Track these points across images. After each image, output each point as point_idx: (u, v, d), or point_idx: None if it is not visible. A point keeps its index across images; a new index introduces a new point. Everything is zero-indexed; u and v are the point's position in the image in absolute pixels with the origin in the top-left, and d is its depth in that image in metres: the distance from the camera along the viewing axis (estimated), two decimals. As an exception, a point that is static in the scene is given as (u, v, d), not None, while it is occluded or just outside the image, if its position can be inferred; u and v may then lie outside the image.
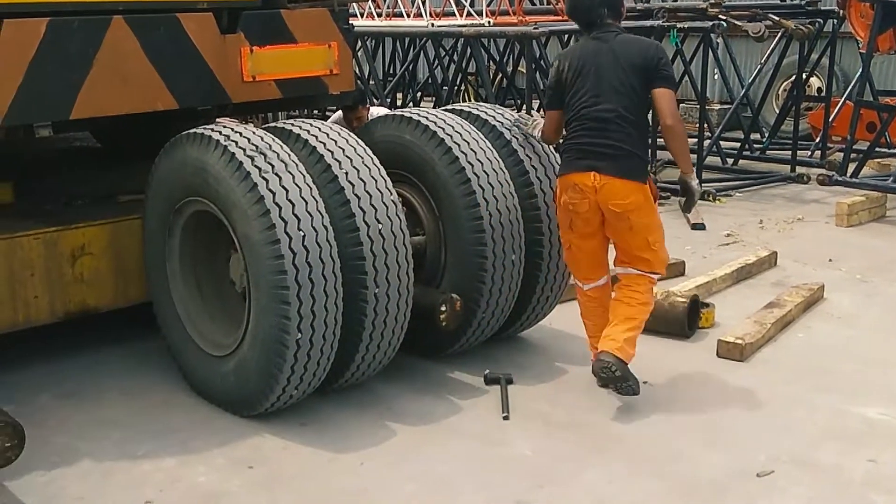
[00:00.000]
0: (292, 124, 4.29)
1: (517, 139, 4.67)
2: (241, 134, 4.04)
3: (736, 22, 8.84)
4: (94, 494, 3.55)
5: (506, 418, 4.14)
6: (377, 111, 6.68)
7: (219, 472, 3.72)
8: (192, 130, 4.19)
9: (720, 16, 8.79)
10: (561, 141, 4.45)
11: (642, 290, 4.30)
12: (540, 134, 4.58)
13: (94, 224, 4.58)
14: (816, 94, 10.92)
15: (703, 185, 8.67)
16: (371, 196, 4.04)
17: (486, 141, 4.55)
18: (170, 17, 4.49)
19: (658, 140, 9.68)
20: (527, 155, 4.63)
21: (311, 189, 3.91)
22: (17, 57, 4.05)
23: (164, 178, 4.31)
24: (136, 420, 4.17)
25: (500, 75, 12.65)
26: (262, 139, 4.01)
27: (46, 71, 4.14)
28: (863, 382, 4.49)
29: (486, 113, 4.81)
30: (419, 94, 13.27)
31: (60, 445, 3.90)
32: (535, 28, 9.07)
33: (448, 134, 4.46)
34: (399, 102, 12.75)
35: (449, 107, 5.04)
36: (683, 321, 5.09)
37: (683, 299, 5.18)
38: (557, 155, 4.60)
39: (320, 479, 3.66)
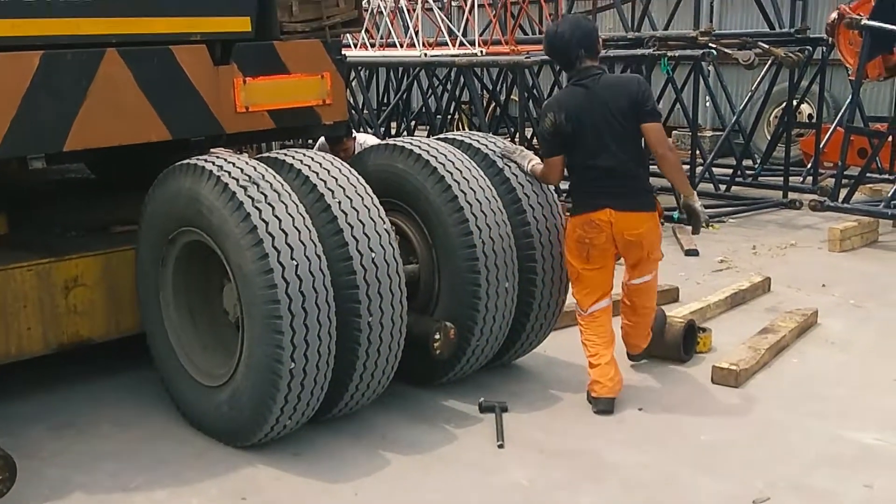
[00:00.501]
0: (285, 154, 4.30)
1: (510, 168, 4.69)
2: (234, 164, 4.04)
3: (726, 50, 8.90)
4: None
5: (500, 446, 4.12)
6: (365, 138, 6.70)
7: (212, 503, 3.70)
8: (185, 161, 4.18)
9: (710, 44, 8.85)
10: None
11: (654, 294, 4.90)
12: (530, 167, 4.63)
13: (88, 255, 4.56)
14: (807, 121, 10.94)
15: (696, 211, 8.77)
16: (364, 225, 4.03)
17: (479, 169, 4.57)
18: (163, 50, 4.50)
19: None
20: (519, 183, 4.63)
21: (304, 218, 3.91)
22: (10, 89, 4.05)
23: (157, 209, 4.30)
24: (129, 452, 4.14)
25: (494, 104, 12.71)
26: (255, 169, 4.01)
27: (40, 103, 4.14)
28: (857, 407, 4.48)
29: (478, 142, 4.83)
30: (413, 122, 13.33)
31: (54, 478, 3.87)
32: (527, 57, 9.11)
33: (441, 163, 4.48)
34: (393, 131, 12.80)
35: (442, 136, 5.06)
36: (679, 345, 5.09)
37: (680, 323, 5.19)
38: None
39: (315, 510, 3.64)
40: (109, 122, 4.36)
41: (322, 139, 6.67)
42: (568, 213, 4.63)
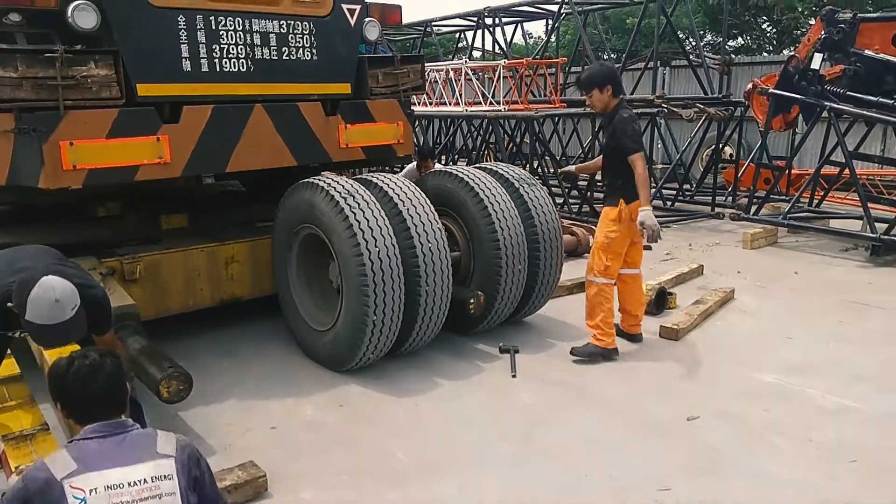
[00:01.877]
0: (372, 176, 4.30)
1: (523, 187, 4.65)
2: (338, 182, 4.06)
3: (674, 108, 8.74)
4: (238, 421, 3.57)
5: (514, 377, 4.09)
6: (437, 166, 6.66)
7: (320, 408, 3.72)
8: (306, 180, 4.21)
9: (663, 104, 8.70)
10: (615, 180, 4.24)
11: None
12: (646, 211, 4.06)
13: (240, 241, 4.60)
14: (729, 158, 10.78)
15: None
16: (424, 224, 4.03)
17: (502, 188, 4.54)
18: (293, 105, 4.50)
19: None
20: (529, 198, 4.60)
21: (384, 219, 3.92)
22: (192, 130, 4.08)
23: (287, 212, 4.33)
24: (267, 372, 4.18)
25: (511, 144, 12.62)
26: (352, 186, 4.03)
27: (211, 139, 4.16)
28: (761, 357, 4.37)
29: (502, 169, 4.79)
30: (456, 156, 13.28)
31: (216, 389, 3.91)
32: (535, 113, 9.05)
33: (476, 183, 4.46)
34: (443, 162, 12.78)
35: (477, 165, 5.03)
36: (653, 303, 5.13)
37: (652, 288, 5.20)
38: (544, 192, 4.70)
39: (388, 415, 3.65)
40: (256, 153, 4.37)
41: (413, 164, 6.63)
42: (613, 202, 4.20)
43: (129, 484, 1.88)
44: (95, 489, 1.85)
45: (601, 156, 4.56)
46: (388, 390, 3.91)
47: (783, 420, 3.54)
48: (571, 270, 5.78)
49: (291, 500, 2.87)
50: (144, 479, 1.90)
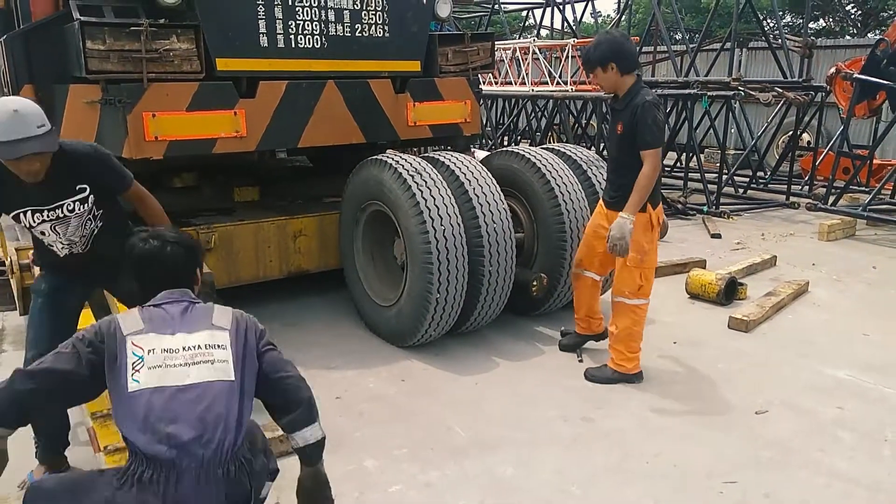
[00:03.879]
0: (440, 155, 4.29)
1: (591, 169, 4.57)
2: (406, 160, 4.09)
3: (751, 92, 8.42)
4: None
5: (580, 361, 4.04)
6: (480, 154, 6.63)
7: (382, 381, 3.78)
8: (373, 157, 4.25)
9: (739, 87, 8.39)
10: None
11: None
12: (631, 219, 3.44)
13: (309, 215, 4.66)
14: (807, 146, 10.34)
15: (721, 207, 8.38)
16: (490, 204, 4.02)
17: (569, 169, 4.48)
18: (363, 82, 4.54)
19: (690, 173, 9.37)
20: (597, 181, 4.50)
21: (450, 198, 3.93)
22: (267, 105, 4.15)
23: (354, 188, 4.38)
24: (331, 343, 4.26)
25: (577, 125, 12.42)
26: (419, 163, 4.05)
27: (285, 115, 4.22)
28: (834, 352, 4.22)
29: (570, 150, 4.73)
30: (519, 137, 13.18)
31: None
32: (604, 94, 8.85)
33: (543, 164, 4.41)
34: (505, 142, 12.68)
35: (544, 146, 4.99)
36: (722, 293, 4.99)
37: (722, 278, 5.07)
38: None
39: (448, 391, 3.68)
40: (327, 129, 4.42)
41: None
42: (642, 210, 3.48)
43: (184, 349, 1.96)
44: (153, 350, 1.94)
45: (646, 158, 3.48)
46: (449, 367, 3.95)
47: (856, 417, 3.42)
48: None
49: (355, 468, 2.95)
50: (199, 346, 1.98)
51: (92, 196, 2.61)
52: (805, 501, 2.75)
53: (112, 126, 3.89)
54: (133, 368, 1.91)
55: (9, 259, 3.87)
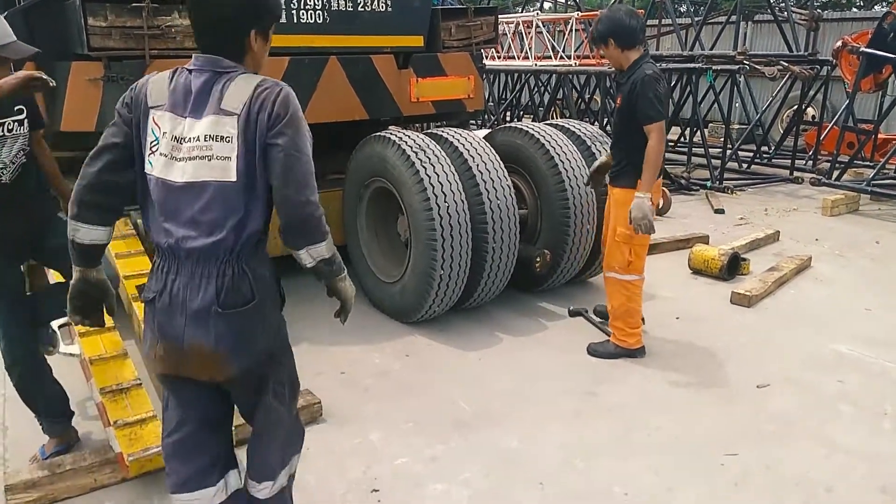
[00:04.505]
0: (442, 131, 4.29)
1: (595, 145, 4.55)
2: (409, 136, 4.08)
3: (756, 66, 8.34)
4: (309, 365, 3.62)
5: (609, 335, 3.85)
6: (477, 132, 6.57)
7: (387, 357, 3.82)
8: (377, 133, 4.25)
9: (744, 61, 8.30)
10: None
11: None
12: (647, 198, 3.39)
13: None
14: (811, 120, 10.27)
15: (725, 182, 8.35)
16: (493, 181, 4.02)
17: (572, 144, 4.46)
18: (365, 58, 4.53)
19: (694, 148, 9.32)
20: (597, 150, 4.49)
21: (454, 174, 3.93)
22: None
23: (358, 165, 4.39)
24: (335, 319, 4.24)
25: (580, 101, 12.33)
26: (423, 140, 4.05)
27: None
28: (836, 327, 4.25)
29: (574, 126, 4.70)
30: (522, 113, 13.08)
31: (292, 334, 4.03)
32: (608, 68, 8.77)
33: (547, 140, 4.40)
34: (507, 118, 12.60)
35: (548, 122, 4.97)
36: (725, 268, 5.00)
37: (725, 253, 5.07)
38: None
39: (452, 367, 3.72)
40: (330, 105, 4.41)
41: None
42: (627, 182, 3.52)
43: (188, 139, 1.70)
44: (165, 133, 1.72)
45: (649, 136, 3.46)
46: (453, 343, 3.98)
47: (857, 391, 3.45)
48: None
49: (361, 441, 3.00)
50: (199, 137, 1.69)
51: (26, 121, 2.65)
52: (805, 473, 2.79)
53: (115, 103, 3.87)
54: (150, 148, 1.74)
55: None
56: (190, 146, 1.70)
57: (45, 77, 2.45)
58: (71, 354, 3.08)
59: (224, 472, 1.98)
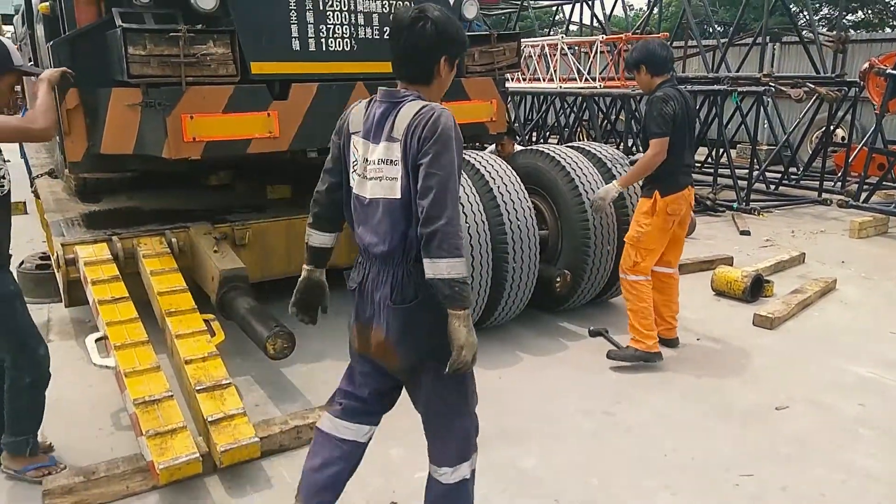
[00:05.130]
0: (466, 153, 4.37)
1: (616, 167, 4.62)
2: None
3: (782, 88, 8.34)
4: (333, 380, 3.62)
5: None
6: (517, 147, 6.69)
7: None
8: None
9: (770, 83, 8.32)
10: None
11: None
12: (615, 189, 4.00)
13: None
14: (840, 141, 10.18)
15: (751, 204, 8.32)
16: (514, 202, 4.11)
17: (594, 168, 4.54)
18: (392, 83, 4.66)
19: (719, 168, 9.30)
20: (618, 172, 4.55)
21: (475, 196, 4.03)
22: (299, 107, 4.26)
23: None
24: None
25: (606, 122, 12.40)
26: (445, 162, 4.15)
27: (316, 116, 4.31)
28: (859, 350, 4.23)
29: (595, 149, 4.79)
30: (548, 133, 13.18)
31: (315, 350, 4.16)
32: (632, 91, 8.85)
33: (568, 163, 4.49)
34: (534, 140, 12.70)
35: (569, 144, 5.04)
36: (748, 289, 5.02)
37: (748, 275, 5.09)
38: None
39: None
40: None
41: (493, 145, 6.69)
42: (647, 193, 3.89)
43: (372, 161, 2.02)
44: (359, 157, 2.07)
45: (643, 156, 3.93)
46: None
47: (877, 415, 3.45)
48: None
49: (381, 456, 3.08)
50: (377, 161, 2.01)
51: None
52: (822, 495, 2.80)
53: (153, 127, 4.07)
54: (352, 167, 2.11)
55: (55, 254, 4.08)
56: (372, 168, 2.03)
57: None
58: (106, 367, 3.24)
59: (373, 426, 2.42)
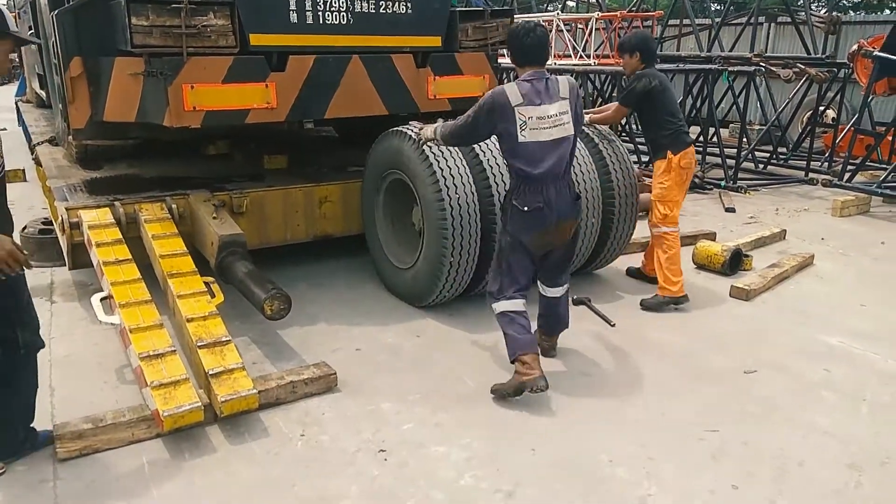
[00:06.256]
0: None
1: (602, 143, 4.77)
2: (425, 131, 4.32)
3: (772, 68, 8.46)
4: (327, 341, 3.97)
5: (613, 325, 4.18)
6: None
7: (399, 336, 4.08)
8: (395, 128, 4.47)
9: (761, 63, 8.43)
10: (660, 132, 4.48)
11: None
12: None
13: (333, 183, 4.88)
14: (831, 122, 10.32)
15: (739, 182, 8.46)
16: (503, 174, 4.19)
17: (581, 142, 4.63)
18: (386, 57, 4.74)
19: (708, 147, 9.46)
20: (608, 153, 4.70)
21: (465, 168, 4.14)
22: (296, 79, 4.39)
23: (376, 157, 4.62)
24: (352, 302, 4.56)
25: (600, 99, 12.47)
26: (437, 135, 4.29)
27: (312, 88, 4.45)
28: (830, 321, 4.43)
29: (585, 127, 4.89)
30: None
31: (310, 313, 4.34)
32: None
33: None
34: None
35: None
36: (727, 263, 5.21)
37: (727, 249, 5.27)
38: (623, 149, 4.79)
39: (461, 346, 3.97)
40: (351, 101, 4.63)
41: None
42: (661, 156, 4.46)
43: (548, 116, 3.19)
44: (531, 117, 3.18)
45: (614, 103, 4.83)
46: (461, 325, 4.23)
47: (840, 379, 3.65)
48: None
49: (372, 409, 3.29)
50: (555, 114, 3.21)
51: None
52: (781, 450, 3.02)
53: (154, 96, 4.20)
54: (520, 128, 3.17)
55: (59, 218, 4.23)
56: (552, 119, 3.21)
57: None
58: (111, 324, 3.42)
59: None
